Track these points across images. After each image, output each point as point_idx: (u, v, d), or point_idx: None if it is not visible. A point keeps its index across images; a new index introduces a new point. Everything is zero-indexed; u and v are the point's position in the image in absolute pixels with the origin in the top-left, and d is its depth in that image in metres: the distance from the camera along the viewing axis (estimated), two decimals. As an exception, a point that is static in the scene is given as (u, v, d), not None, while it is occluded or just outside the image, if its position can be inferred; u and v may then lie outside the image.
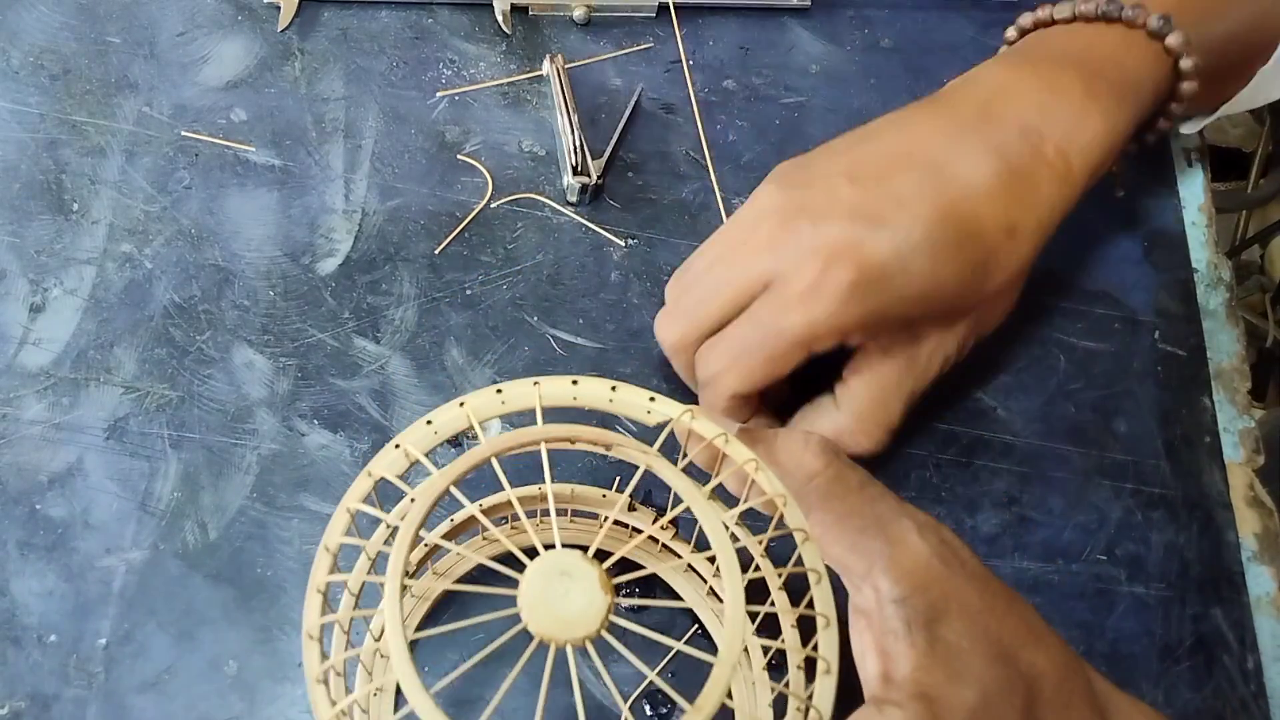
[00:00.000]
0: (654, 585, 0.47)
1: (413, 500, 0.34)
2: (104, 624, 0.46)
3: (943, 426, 0.52)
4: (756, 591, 0.40)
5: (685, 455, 0.37)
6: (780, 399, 0.49)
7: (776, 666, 0.45)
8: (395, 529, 0.35)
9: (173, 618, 0.46)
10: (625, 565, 0.40)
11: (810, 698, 0.34)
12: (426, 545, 0.44)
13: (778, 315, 0.44)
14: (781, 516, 0.35)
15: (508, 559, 0.33)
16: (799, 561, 0.35)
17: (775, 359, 0.44)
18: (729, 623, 0.31)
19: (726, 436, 0.36)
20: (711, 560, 0.45)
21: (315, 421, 0.50)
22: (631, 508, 0.46)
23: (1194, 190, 0.59)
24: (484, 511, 0.44)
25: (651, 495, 0.49)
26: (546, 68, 0.58)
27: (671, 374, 0.50)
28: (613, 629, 0.31)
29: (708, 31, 0.61)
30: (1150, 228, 0.58)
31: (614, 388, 0.36)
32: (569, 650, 0.31)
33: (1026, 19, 0.51)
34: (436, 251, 0.54)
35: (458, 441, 0.49)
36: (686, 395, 0.51)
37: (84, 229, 0.53)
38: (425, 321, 0.52)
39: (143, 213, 0.53)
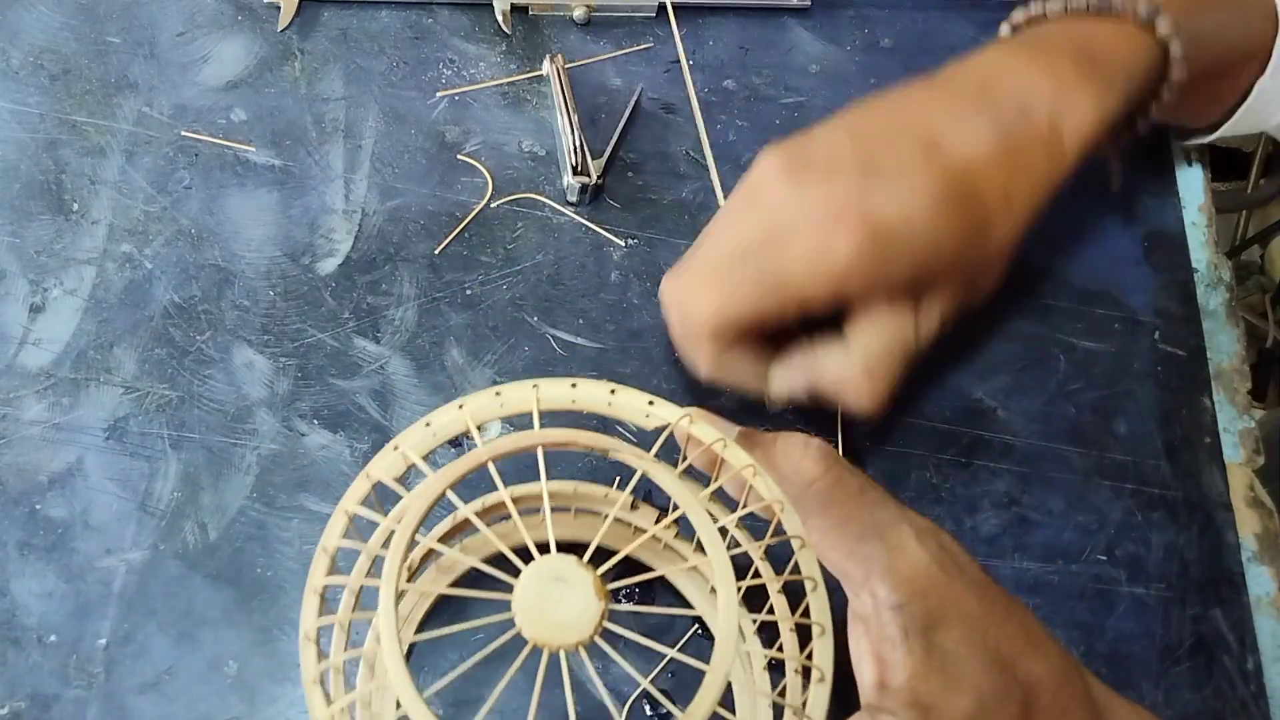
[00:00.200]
0: (654, 583, 0.48)
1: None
2: (104, 624, 0.46)
3: (943, 426, 0.52)
4: (757, 595, 0.40)
5: (685, 459, 0.37)
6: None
7: (777, 667, 0.45)
8: (393, 531, 0.35)
9: (173, 618, 0.46)
10: (625, 562, 0.40)
11: (804, 705, 0.34)
12: (426, 547, 0.44)
13: (780, 267, 0.44)
14: (779, 522, 0.35)
15: (508, 559, 0.33)
16: (796, 569, 0.35)
17: (764, 305, 0.44)
18: (721, 634, 0.31)
19: (725, 441, 0.36)
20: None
21: (315, 422, 0.50)
22: (634, 506, 0.46)
23: (1194, 190, 0.59)
24: (486, 508, 0.45)
25: (652, 495, 0.49)
26: (546, 68, 0.58)
27: (672, 375, 0.50)
28: (612, 627, 0.31)
29: (707, 31, 0.61)
30: (1150, 228, 0.58)
31: (613, 390, 0.36)
32: (562, 655, 0.31)
33: (1019, 15, 0.52)
34: (436, 251, 0.54)
35: (458, 442, 0.49)
36: (686, 397, 0.51)
37: (84, 229, 0.53)
38: (425, 322, 0.52)
39: (143, 213, 0.53)
